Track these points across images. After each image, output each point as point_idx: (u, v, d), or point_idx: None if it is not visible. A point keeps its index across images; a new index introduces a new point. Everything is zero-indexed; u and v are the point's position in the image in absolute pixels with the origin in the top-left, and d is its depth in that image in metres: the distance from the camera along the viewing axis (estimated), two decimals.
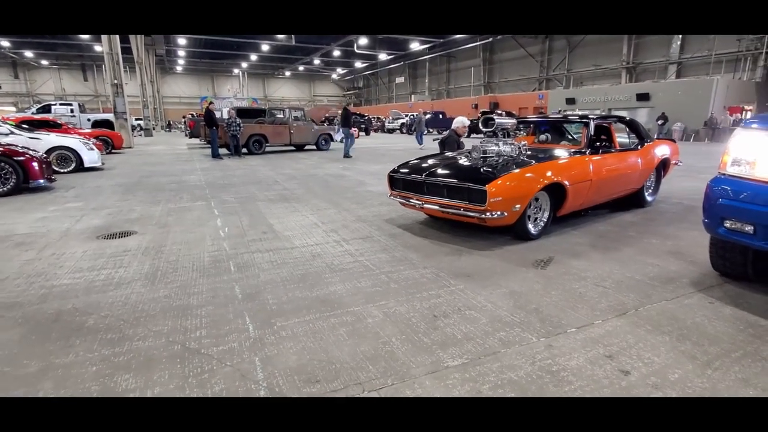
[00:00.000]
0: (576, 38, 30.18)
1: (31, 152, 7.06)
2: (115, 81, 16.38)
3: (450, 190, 4.01)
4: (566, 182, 4.13)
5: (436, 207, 4.13)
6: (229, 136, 12.67)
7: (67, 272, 3.37)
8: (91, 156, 9.42)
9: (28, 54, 36.26)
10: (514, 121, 4.97)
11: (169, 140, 22.56)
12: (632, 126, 5.69)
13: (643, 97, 23.59)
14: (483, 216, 3.73)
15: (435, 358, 2.16)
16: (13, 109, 34.31)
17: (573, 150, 4.80)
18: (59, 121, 13.50)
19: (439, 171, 4.24)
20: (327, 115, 26.14)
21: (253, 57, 40.01)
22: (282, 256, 3.74)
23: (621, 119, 5.63)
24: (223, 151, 13.24)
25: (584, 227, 4.66)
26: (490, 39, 33.21)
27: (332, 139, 15.97)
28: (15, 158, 6.67)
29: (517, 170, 3.93)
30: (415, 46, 35.90)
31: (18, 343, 2.33)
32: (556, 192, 4.19)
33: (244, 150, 13.53)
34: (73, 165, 9.15)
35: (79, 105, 17.15)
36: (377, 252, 3.83)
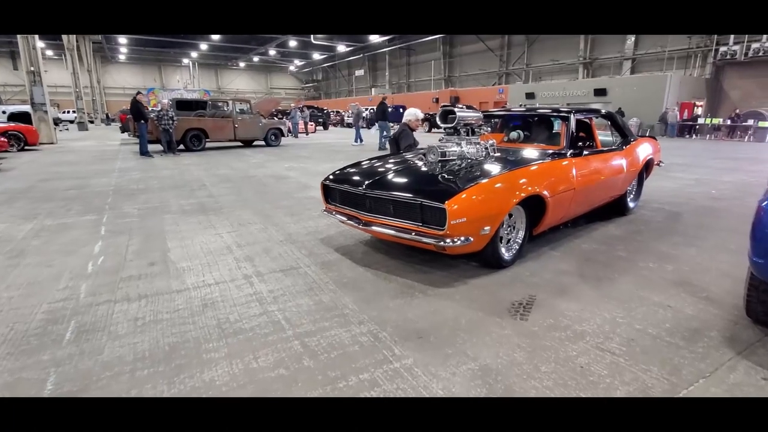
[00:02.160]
0: (534, 35, 30.01)
1: None
2: (32, 68, 14.35)
3: (398, 207, 3.00)
4: (546, 193, 3.20)
5: (382, 229, 3.09)
6: (160, 131, 11.15)
7: None
8: None
9: None
10: (479, 115, 3.92)
11: (104, 135, 20.38)
12: (613, 121, 4.84)
13: (600, 92, 23.59)
14: (442, 244, 2.73)
15: None
16: None
17: (551, 151, 3.79)
18: None
19: (385, 180, 3.21)
20: (279, 107, 24.51)
21: (204, 46, 37.51)
22: (158, 306, 2.60)
23: (602, 113, 4.71)
24: (158, 148, 11.68)
25: (564, 245, 3.79)
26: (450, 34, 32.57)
27: (283, 134, 14.65)
28: None
29: (485, 180, 2.98)
30: (375, 38, 34.76)
31: None
32: (533, 205, 3.24)
33: (180, 146, 12.03)
34: None
35: None
36: (299, 294, 2.77)
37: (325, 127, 26.49)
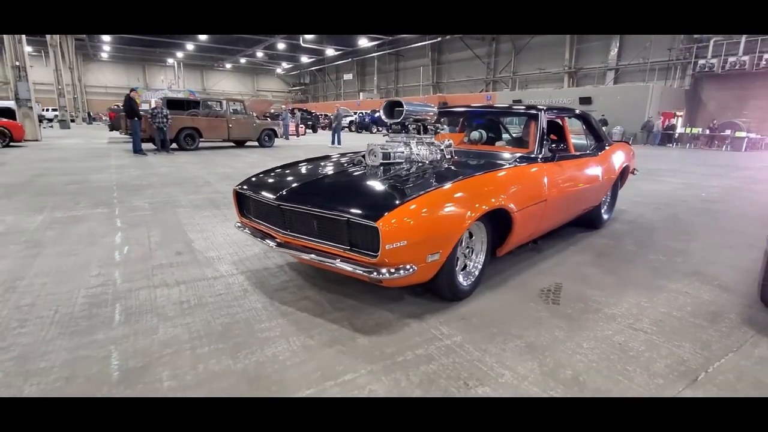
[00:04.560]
0: (521, 42, 30.67)
1: None
2: (17, 63, 14.02)
3: (322, 225, 2.30)
4: (513, 206, 2.60)
5: (301, 253, 2.36)
6: (154, 129, 11.02)
7: None
8: None
9: None
10: (433, 109, 3.29)
11: (88, 133, 19.96)
12: (587, 123, 4.28)
13: (585, 100, 24.23)
14: (375, 275, 2.06)
15: None
16: None
17: (519, 155, 3.20)
18: None
19: (307, 189, 2.56)
20: (272, 110, 24.43)
21: (190, 47, 37.10)
22: (199, 291, 2.63)
23: (576, 113, 4.12)
24: (150, 146, 11.53)
25: (580, 240, 3.94)
26: (439, 39, 33.02)
27: (276, 135, 14.62)
28: None
29: (435, 189, 2.32)
30: (364, 42, 34.95)
31: None
32: (496, 221, 2.67)
33: (174, 145, 11.90)
34: None
35: None
36: (333, 280, 2.83)
37: (314, 130, 26.50)
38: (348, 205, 2.21)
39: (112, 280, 2.79)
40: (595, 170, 3.83)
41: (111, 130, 14.98)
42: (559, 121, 3.85)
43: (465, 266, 2.65)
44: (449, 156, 3.18)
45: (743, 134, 18.33)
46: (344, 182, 2.71)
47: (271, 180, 2.89)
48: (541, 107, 3.47)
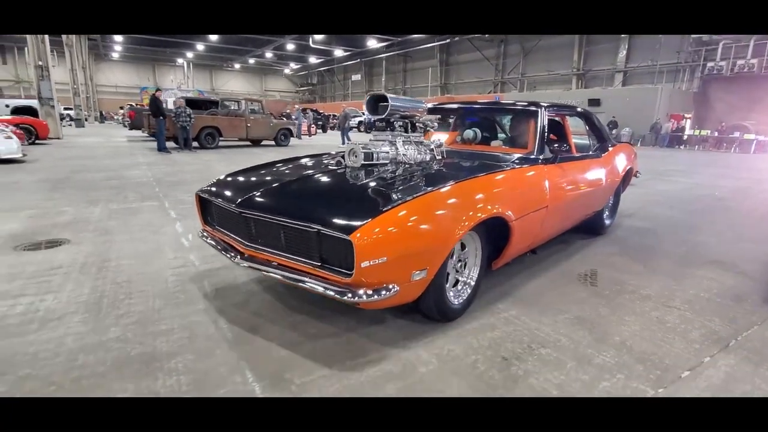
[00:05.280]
0: (530, 43, 30.89)
1: None
2: (40, 62, 14.37)
3: (290, 237, 2.02)
4: (510, 213, 2.34)
5: (268, 268, 2.07)
6: (177, 128, 11.35)
7: None
8: (8, 146, 7.92)
9: None
10: (423, 105, 3.02)
11: (104, 132, 20.33)
12: (590, 122, 4.03)
13: (594, 102, 24.43)
14: (350, 297, 1.79)
15: None
16: None
17: (517, 156, 2.94)
18: None
19: (275, 194, 2.26)
20: (288, 111, 24.78)
21: (200, 47, 37.52)
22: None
23: (577, 111, 3.88)
24: (170, 144, 11.86)
25: (561, 262, 4.20)
26: (447, 40, 33.29)
27: (292, 135, 14.94)
28: None
29: (422, 195, 2.05)
30: (372, 43, 35.24)
31: None
32: (492, 230, 2.39)
33: (195, 144, 12.23)
34: None
35: None
36: None
37: (324, 130, 26.83)
38: (319, 213, 1.92)
39: (190, 261, 3.09)
40: (598, 173, 3.60)
41: (131, 128, 15.32)
42: (560, 119, 3.51)
43: (456, 282, 2.36)
44: (440, 156, 2.95)
45: (752, 136, 18.52)
46: (317, 186, 2.42)
47: (237, 183, 2.58)
48: (540, 104, 3.22)
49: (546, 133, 3.08)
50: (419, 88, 39.22)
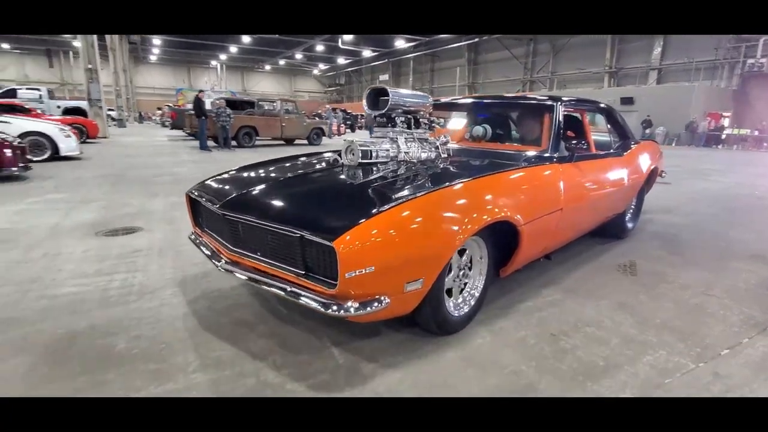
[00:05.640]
0: (560, 41, 30.45)
1: (2, 136, 6.20)
2: (90, 66, 15.22)
3: (272, 241, 1.89)
4: (519, 217, 2.16)
5: (251, 275, 1.93)
6: (218, 128, 11.87)
7: (69, 277, 2.74)
8: (68, 144, 8.51)
9: None
10: (426, 100, 2.87)
11: (144, 131, 21.31)
12: (611, 118, 3.81)
13: (627, 101, 23.93)
14: (335, 311, 1.63)
15: (590, 393, 1.70)
16: None
17: (530, 154, 2.76)
18: (26, 106, 12.31)
19: (262, 194, 2.14)
20: (319, 111, 25.37)
21: (233, 49, 38.62)
22: None
23: (599, 106, 3.63)
24: (210, 143, 12.40)
25: (643, 227, 4.29)
26: (476, 39, 33.15)
27: (324, 134, 15.33)
28: None
29: (415, 197, 1.89)
30: (400, 44, 35.45)
31: (26, 377, 1.72)
32: (499, 234, 2.20)
33: (234, 143, 12.75)
34: (48, 153, 8.23)
35: (48, 91, 15.86)
36: None
37: (353, 129, 27.23)
38: (304, 216, 1.83)
39: None
40: (619, 172, 3.40)
41: (172, 128, 16.03)
42: (578, 115, 3.30)
43: (458, 291, 2.18)
44: (445, 155, 2.82)
45: None
46: (307, 187, 2.30)
47: (226, 182, 2.46)
48: (556, 98, 3.03)
49: (562, 130, 2.86)
50: (447, 88, 39.18)
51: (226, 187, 2.35)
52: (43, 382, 1.69)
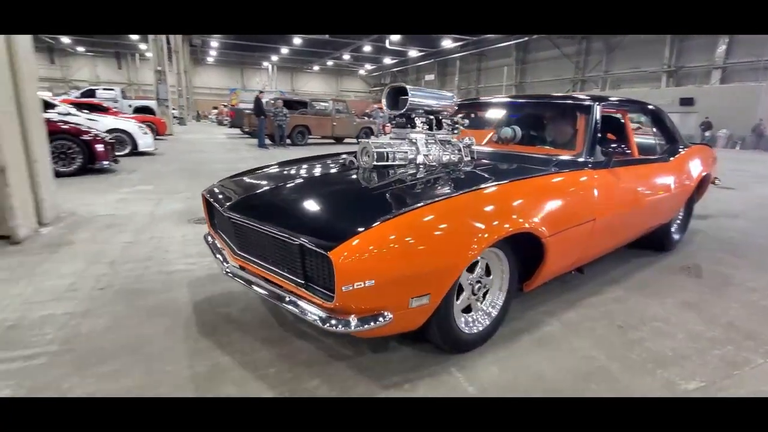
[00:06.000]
0: (615, 39, 29.33)
1: (95, 132, 6.92)
2: (159, 68, 16.39)
3: (274, 247, 1.83)
4: (544, 229, 2.01)
5: (255, 280, 1.92)
6: (275, 126, 12.50)
7: (177, 257, 3.16)
8: (145, 140, 9.31)
9: (65, 40, 36.76)
10: (450, 100, 2.77)
11: (203, 129, 22.56)
12: (657, 120, 3.52)
13: (686, 101, 22.79)
14: (333, 325, 1.55)
15: (659, 379, 1.86)
16: (49, 93, 34.74)
17: (560, 158, 2.58)
18: (104, 105, 13.46)
19: (268, 197, 2.13)
20: (368, 110, 25.91)
21: (285, 50, 39.93)
22: None
23: (645, 107, 3.40)
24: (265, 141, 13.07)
25: (701, 231, 4.26)
26: (525, 38, 32.54)
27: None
28: (81, 137, 6.54)
29: (426, 203, 1.76)
30: (447, 43, 35.37)
31: (165, 336, 2.09)
32: (523, 244, 2.05)
33: (288, 140, 13.35)
34: (129, 148, 9.05)
35: (121, 91, 17.20)
36: None
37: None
38: (306, 222, 1.77)
39: None
40: (664, 179, 3.16)
41: (231, 126, 16.94)
42: (620, 116, 3.10)
43: (470, 308, 2.03)
44: (468, 158, 2.67)
45: None
46: (315, 191, 2.20)
47: (239, 184, 2.41)
48: (595, 97, 2.84)
49: (598, 133, 2.65)
50: (493, 87, 38.68)
51: (237, 188, 2.31)
52: (182, 339, 2.05)
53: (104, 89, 16.36)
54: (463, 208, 1.86)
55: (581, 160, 2.51)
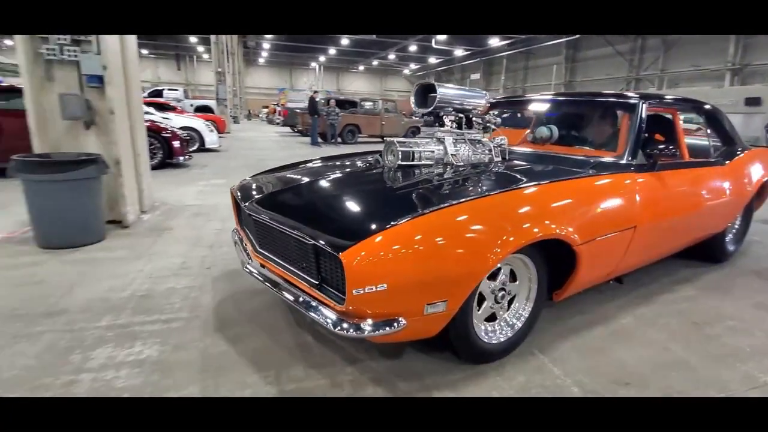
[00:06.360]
0: (673, 36, 27.91)
1: (172, 129, 7.52)
2: (219, 69, 17.31)
3: (291, 246, 1.83)
4: (575, 235, 1.89)
5: (274, 278, 1.94)
6: (327, 125, 12.94)
7: None
8: (211, 137, 9.94)
9: None
10: (482, 99, 2.67)
11: (255, 128, 23.55)
12: (713, 120, 3.25)
13: (752, 101, 21.18)
14: (344, 329, 1.53)
15: (739, 372, 1.95)
16: None
17: (599, 160, 2.41)
18: (171, 104, 14.40)
19: (289, 195, 2.15)
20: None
21: (332, 51, 40.82)
22: None
23: (695, 106, 3.14)
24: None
25: (731, 261, 4.15)
26: (577, 36, 31.58)
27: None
28: (162, 134, 7.14)
29: (446, 206, 1.70)
30: (494, 42, 34.91)
31: (268, 311, 2.38)
32: (555, 253, 1.96)
33: (339, 139, 13.77)
34: (197, 145, 9.70)
35: (184, 91, 18.30)
36: None
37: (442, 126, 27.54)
38: (320, 222, 1.72)
39: None
40: (718, 185, 2.93)
41: (284, 125, 17.63)
42: (670, 116, 2.84)
43: (494, 317, 1.96)
44: (499, 158, 2.56)
45: None
46: (337, 190, 2.14)
47: (264, 180, 2.40)
48: (642, 95, 2.65)
49: (643, 133, 2.46)
50: (540, 87, 37.79)
51: (261, 185, 2.31)
52: (282, 314, 2.33)
53: (169, 89, 17.45)
54: (484, 212, 1.75)
55: (623, 162, 2.35)
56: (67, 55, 3.40)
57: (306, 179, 2.29)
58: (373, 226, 1.55)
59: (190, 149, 9.42)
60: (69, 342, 2.00)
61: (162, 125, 7.43)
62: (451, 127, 2.54)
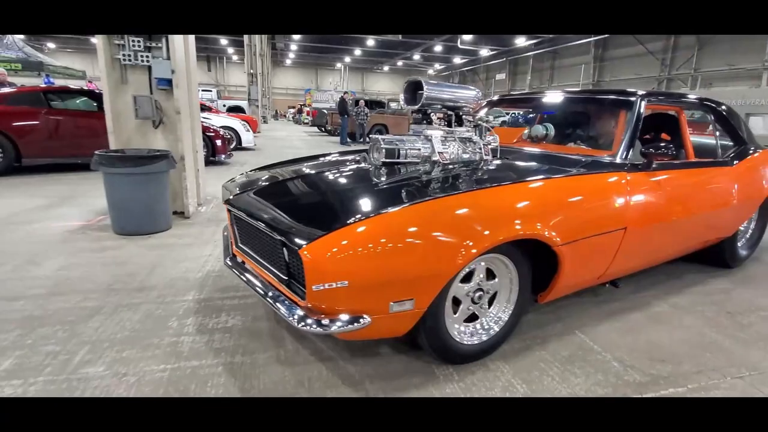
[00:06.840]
0: (707, 35, 27.15)
1: (215, 128, 7.93)
2: (251, 70, 17.86)
3: (264, 241, 1.89)
4: (555, 236, 1.85)
5: (249, 277, 1.94)
6: (356, 125, 13.26)
7: None
8: (247, 136, 10.36)
9: None
10: (472, 95, 2.58)
11: (283, 127, 24.12)
12: (721, 118, 3.08)
13: None
14: (308, 324, 1.53)
15: None
16: None
17: (590, 159, 2.35)
18: (207, 105, 14.97)
19: (269, 190, 2.15)
20: None
21: (357, 52, 41.30)
22: None
23: (702, 104, 2.97)
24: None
25: (731, 271, 4.18)
26: (606, 34, 31.05)
27: None
28: (206, 133, 7.54)
29: (414, 203, 1.68)
30: (521, 41, 34.67)
31: None
32: (539, 254, 1.94)
33: (368, 138, 14.07)
34: (234, 143, 10.13)
35: (217, 92, 18.94)
36: None
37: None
38: (291, 217, 1.71)
39: None
40: (725, 186, 2.80)
41: (313, 125, 18.06)
42: (675, 113, 2.76)
43: (473, 317, 1.94)
44: (489, 156, 2.48)
45: None
46: (312, 187, 2.14)
47: (251, 177, 2.41)
48: (639, 92, 2.55)
49: (638, 131, 2.39)
50: (568, 86, 37.30)
51: (246, 181, 2.35)
52: None
53: (203, 90, 18.09)
54: (456, 209, 1.71)
55: (617, 161, 2.28)
56: (141, 61, 3.76)
57: (287, 177, 2.28)
58: (337, 223, 1.55)
59: (230, 147, 9.91)
60: (164, 312, 2.31)
61: (205, 124, 7.84)
62: (439, 124, 2.52)
